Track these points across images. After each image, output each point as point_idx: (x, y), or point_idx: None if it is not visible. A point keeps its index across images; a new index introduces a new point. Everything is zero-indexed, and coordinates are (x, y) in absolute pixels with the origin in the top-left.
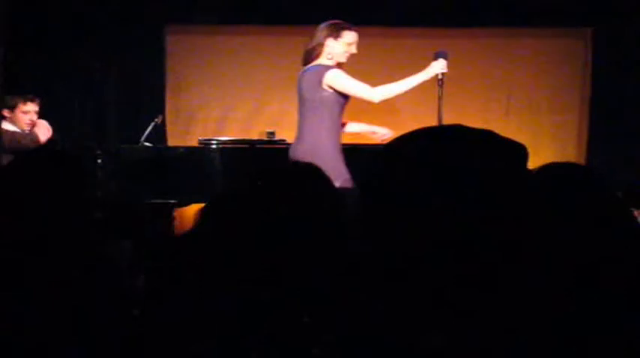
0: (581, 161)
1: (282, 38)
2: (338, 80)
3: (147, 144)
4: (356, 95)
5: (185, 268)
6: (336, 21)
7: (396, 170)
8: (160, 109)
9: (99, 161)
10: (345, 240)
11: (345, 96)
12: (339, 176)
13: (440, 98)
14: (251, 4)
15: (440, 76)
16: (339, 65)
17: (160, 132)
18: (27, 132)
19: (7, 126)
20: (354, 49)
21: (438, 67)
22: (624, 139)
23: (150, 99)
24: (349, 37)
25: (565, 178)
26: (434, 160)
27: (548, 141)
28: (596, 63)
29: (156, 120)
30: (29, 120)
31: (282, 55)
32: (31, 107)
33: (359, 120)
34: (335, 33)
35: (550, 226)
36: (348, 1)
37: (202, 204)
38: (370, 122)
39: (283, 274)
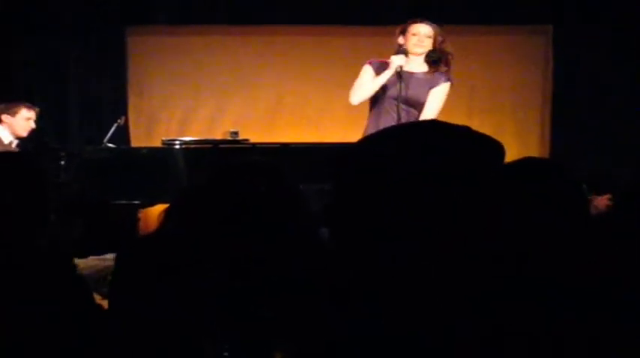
0: (545, 156)
1: (244, 38)
2: None
3: (110, 145)
4: None
5: (150, 267)
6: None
7: (372, 166)
8: (123, 110)
9: (62, 162)
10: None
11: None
12: None
13: (399, 91)
14: (212, 4)
15: (398, 69)
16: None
17: (122, 133)
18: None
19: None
20: (418, 39)
21: (397, 60)
22: (586, 134)
23: (112, 100)
24: (413, 28)
25: (529, 171)
26: (412, 155)
27: (511, 139)
28: (557, 59)
29: (118, 121)
30: (29, 128)
31: (244, 55)
32: (33, 115)
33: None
34: (403, 29)
35: (520, 214)
36: (309, 1)
37: (167, 205)
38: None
39: (243, 269)
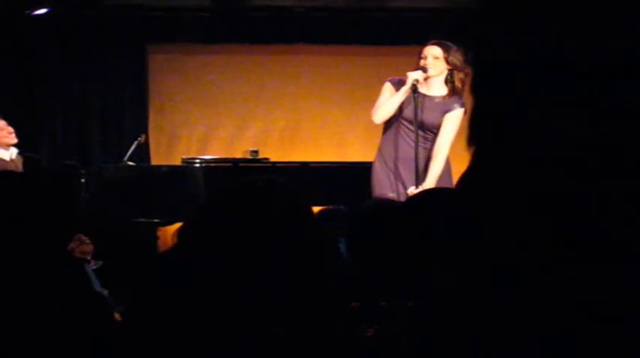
0: None
1: (265, 57)
2: None
3: (130, 163)
4: None
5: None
6: None
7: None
8: (143, 128)
9: (82, 180)
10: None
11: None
12: (374, 188)
13: (415, 113)
14: (233, 23)
15: (415, 82)
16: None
17: (143, 151)
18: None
19: None
20: (425, 61)
21: (414, 75)
22: None
23: (133, 118)
24: (423, 51)
25: None
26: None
27: None
28: None
29: (139, 139)
30: (7, 139)
31: (265, 74)
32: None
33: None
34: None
35: None
36: (329, 21)
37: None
38: None
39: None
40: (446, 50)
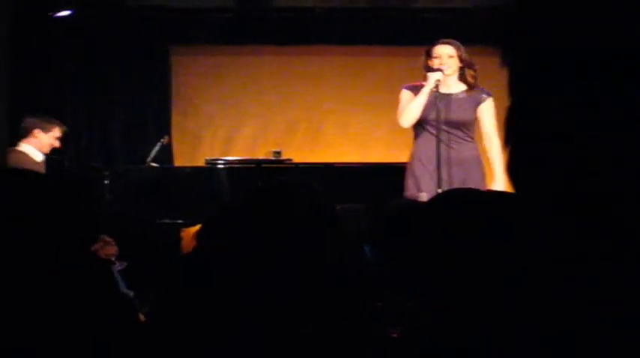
0: None
1: (287, 58)
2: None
3: (153, 164)
4: None
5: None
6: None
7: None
8: (166, 130)
9: (105, 182)
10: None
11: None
12: (408, 187)
13: (438, 113)
14: (256, 24)
15: (437, 83)
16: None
17: (166, 153)
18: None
19: (27, 147)
20: (440, 61)
21: (435, 75)
22: None
23: (156, 119)
24: (435, 50)
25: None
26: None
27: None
28: None
29: (162, 140)
30: (53, 147)
31: (287, 75)
32: (61, 134)
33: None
34: (427, 53)
35: None
36: (351, 21)
37: None
38: None
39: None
40: (458, 48)
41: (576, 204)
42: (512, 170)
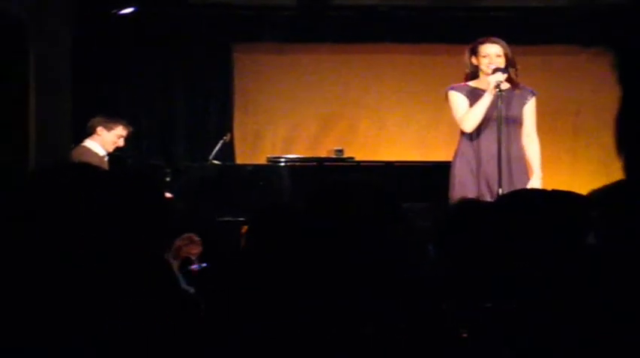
0: None
1: (349, 56)
2: (449, 102)
3: (215, 162)
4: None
5: (239, 282)
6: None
7: None
8: (229, 127)
9: (167, 179)
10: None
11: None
12: (454, 186)
13: (500, 112)
14: (319, 22)
15: (497, 84)
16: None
17: (228, 150)
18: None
19: (91, 143)
20: (489, 60)
21: (494, 79)
22: None
23: (218, 117)
24: (483, 50)
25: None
26: None
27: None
28: None
29: (224, 138)
30: (118, 145)
31: (349, 73)
32: (126, 134)
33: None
34: (472, 51)
35: None
36: (413, 19)
37: None
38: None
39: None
40: (505, 47)
41: None
42: (629, 168)
